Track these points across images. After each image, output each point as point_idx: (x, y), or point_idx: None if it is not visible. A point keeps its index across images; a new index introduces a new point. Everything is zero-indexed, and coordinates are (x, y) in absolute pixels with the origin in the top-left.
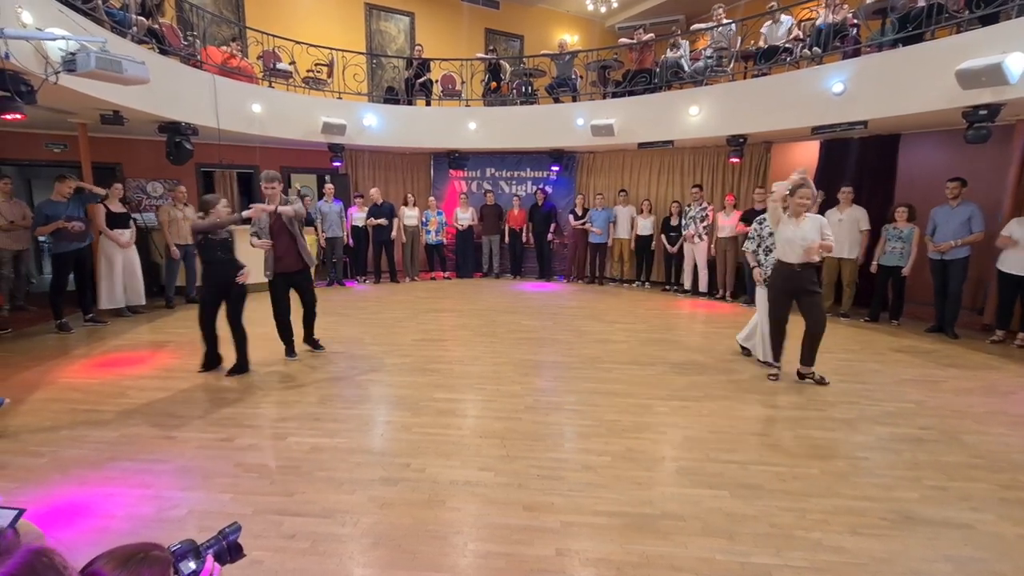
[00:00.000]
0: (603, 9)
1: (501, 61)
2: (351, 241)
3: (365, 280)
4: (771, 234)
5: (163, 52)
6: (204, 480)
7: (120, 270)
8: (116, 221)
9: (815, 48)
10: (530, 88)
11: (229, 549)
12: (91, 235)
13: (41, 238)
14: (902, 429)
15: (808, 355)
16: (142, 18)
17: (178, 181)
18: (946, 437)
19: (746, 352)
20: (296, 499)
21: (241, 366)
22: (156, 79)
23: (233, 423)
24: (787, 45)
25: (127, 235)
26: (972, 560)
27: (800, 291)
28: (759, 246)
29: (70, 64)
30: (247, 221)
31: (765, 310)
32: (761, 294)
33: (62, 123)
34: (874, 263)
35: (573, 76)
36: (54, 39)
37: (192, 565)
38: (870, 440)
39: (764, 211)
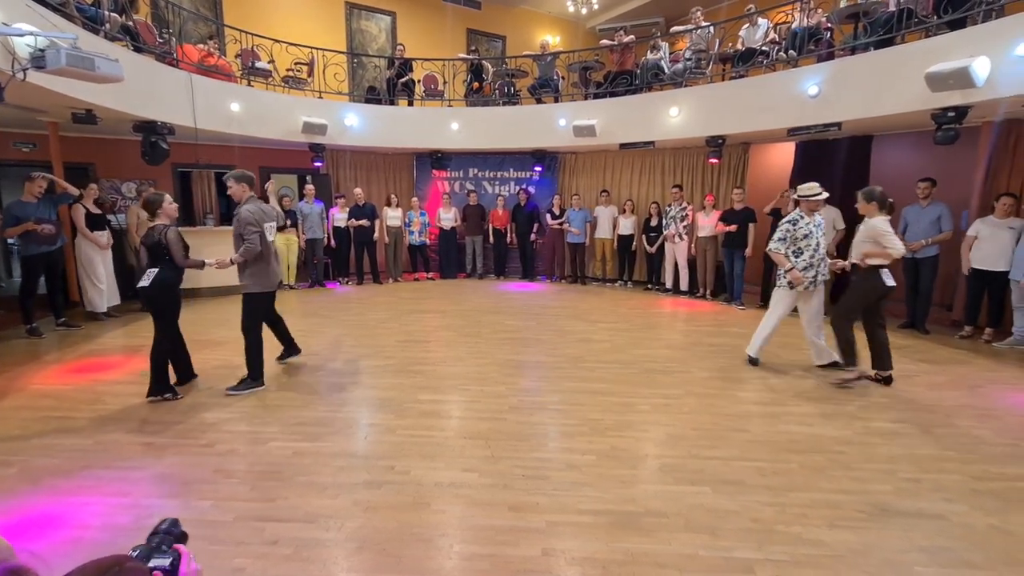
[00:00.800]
0: (584, 11)
1: (483, 61)
2: (333, 242)
3: (347, 281)
4: (805, 236)
5: (138, 50)
6: (183, 487)
7: (103, 273)
8: (93, 223)
9: (791, 51)
10: (512, 89)
11: (176, 536)
12: (63, 237)
13: (10, 240)
14: (876, 423)
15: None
16: (115, 15)
17: (154, 182)
18: (919, 431)
19: (754, 362)
20: (278, 504)
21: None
22: (130, 77)
23: (213, 428)
24: (764, 48)
25: (105, 236)
26: (944, 550)
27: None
28: (789, 248)
29: (39, 61)
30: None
31: (781, 309)
32: (780, 294)
33: (31, 122)
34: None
35: (555, 77)
36: (22, 35)
37: (164, 562)
38: (847, 434)
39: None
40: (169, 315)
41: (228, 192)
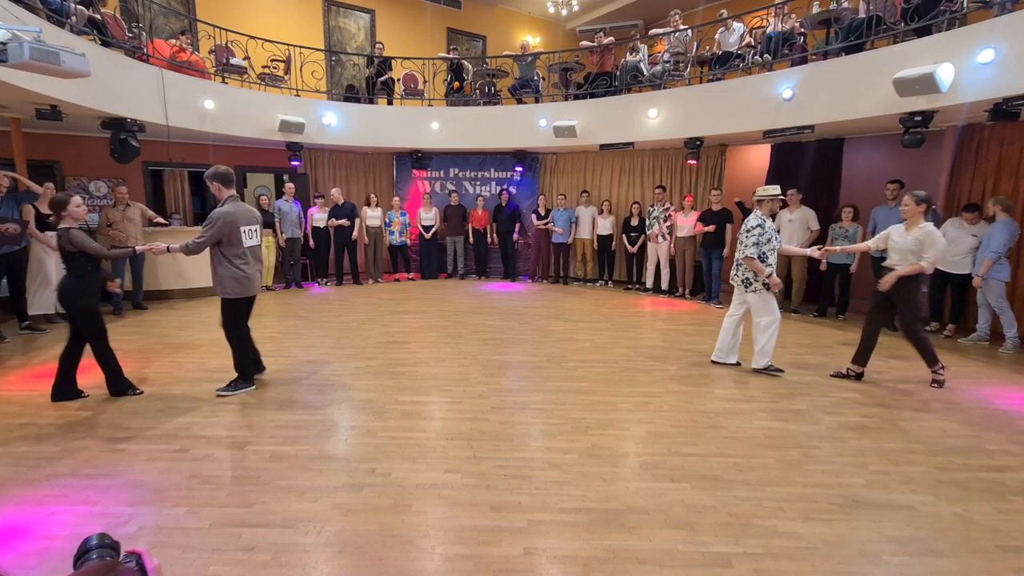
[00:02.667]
0: (564, 12)
1: (463, 61)
2: (312, 242)
3: (327, 282)
4: (768, 240)
5: (105, 44)
6: (156, 494)
7: (54, 274)
8: (48, 224)
9: (766, 55)
10: (493, 89)
11: (112, 545)
12: (28, 237)
13: None
14: (848, 418)
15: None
16: (82, 7)
17: (124, 180)
18: (888, 424)
19: (777, 371)
20: (256, 510)
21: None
22: (98, 72)
23: (187, 433)
24: (739, 52)
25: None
26: (913, 540)
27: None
28: (755, 244)
29: (1, 55)
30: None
31: (775, 309)
32: (763, 297)
33: None
34: (823, 260)
35: (536, 77)
36: None
37: (130, 564)
38: (820, 429)
39: (719, 211)
40: (89, 331)
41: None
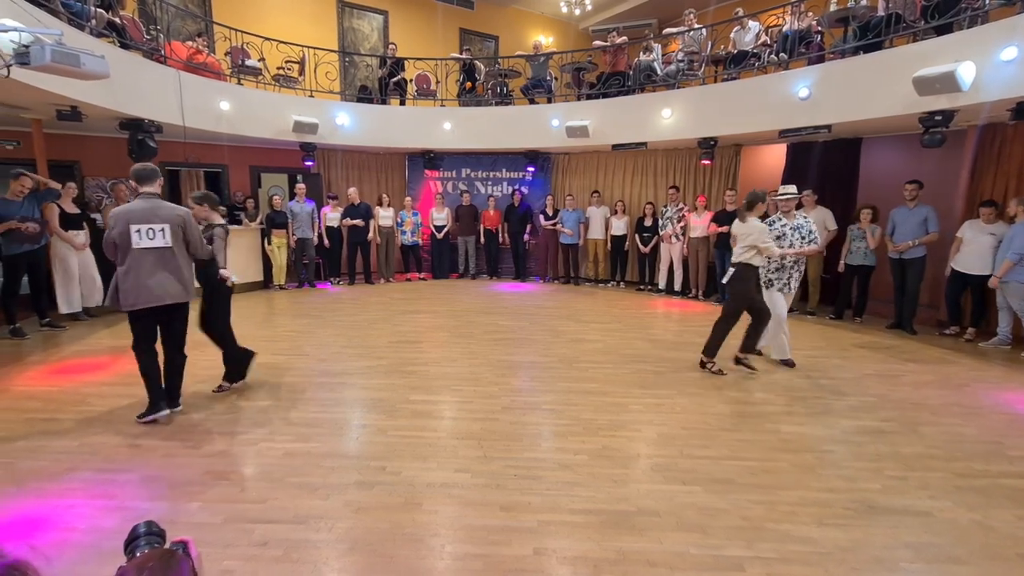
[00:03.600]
0: (577, 11)
1: (476, 61)
2: (326, 242)
3: (339, 282)
4: (779, 237)
5: (124, 46)
6: (171, 489)
7: (76, 273)
8: (70, 222)
9: (782, 54)
10: (505, 89)
11: (159, 533)
12: (47, 236)
13: None
14: (864, 422)
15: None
16: (101, 10)
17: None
18: (905, 429)
19: (789, 363)
20: (268, 506)
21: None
22: (117, 74)
23: (201, 430)
24: (755, 50)
25: (82, 237)
26: (930, 546)
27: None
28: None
29: (23, 57)
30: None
31: (782, 308)
32: (770, 295)
33: (15, 119)
34: (841, 262)
35: (548, 77)
36: (6, 31)
37: (179, 549)
38: (835, 433)
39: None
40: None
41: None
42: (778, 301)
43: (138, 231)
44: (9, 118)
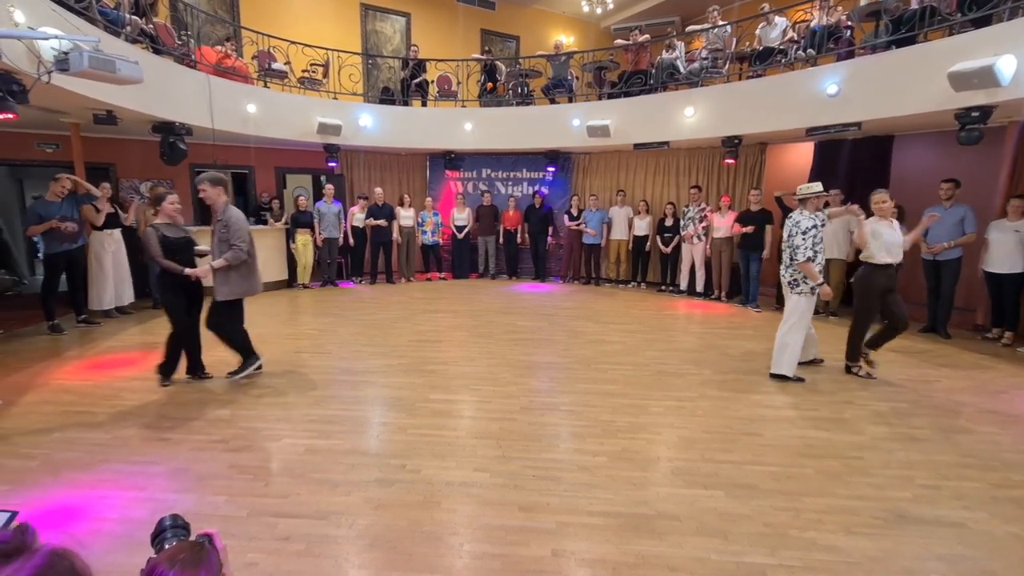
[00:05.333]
0: (599, 10)
1: (497, 62)
2: (351, 241)
3: (361, 281)
4: (819, 242)
5: (157, 52)
6: (198, 482)
7: (110, 271)
8: (105, 222)
9: (809, 50)
10: (526, 89)
11: (184, 526)
12: (84, 236)
13: (34, 238)
14: (895, 428)
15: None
16: (135, 17)
17: (171, 182)
18: (939, 436)
19: (818, 361)
20: (291, 501)
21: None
22: (150, 79)
23: (227, 425)
24: (782, 47)
25: (114, 235)
26: (964, 558)
27: (890, 289)
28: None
29: (63, 64)
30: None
31: (801, 318)
32: (799, 301)
33: (54, 123)
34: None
35: (569, 77)
36: (47, 38)
37: (205, 541)
38: (864, 440)
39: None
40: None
41: (201, 196)
42: (808, 311)
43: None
44: (49, 122)
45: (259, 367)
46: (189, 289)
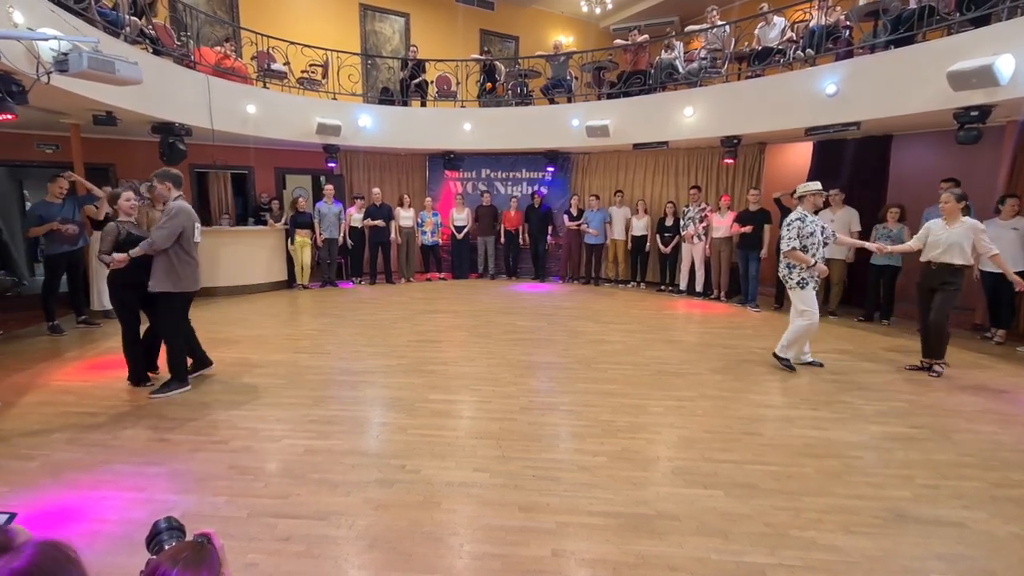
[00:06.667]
0: (598, 10)
1: (496, 62)
2: (350, 242)
3: (361, 281)
4: (811, 234)
5: (156, 52)
6: (198, 483)
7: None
8: (104, 222)
9: (808, 50)
10: (525, 89)
11: (180, 528)
12: (85, 237)
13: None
14: (894, 428)
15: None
16: (135, 18)
17: None
18: (938, 436)
19: (788, 364)
20: (291, 501)
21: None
22: (149, 80)
23: (227, 425)
24: (780, 47)
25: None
26: (963, 558)
27: (936, 287)
28: (798, 236)
29: (62, 64)
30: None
31: (814, 308)
32: (802, 294)
33: (54, 124)
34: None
35: (568, 77)
36: (46, 39)
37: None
38: (863, 439)
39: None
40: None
41: (152, 194)
42: (814, 300)
43: (196, 227)
44: (49, 123)
45: (186, 390)
46: (143, 291)
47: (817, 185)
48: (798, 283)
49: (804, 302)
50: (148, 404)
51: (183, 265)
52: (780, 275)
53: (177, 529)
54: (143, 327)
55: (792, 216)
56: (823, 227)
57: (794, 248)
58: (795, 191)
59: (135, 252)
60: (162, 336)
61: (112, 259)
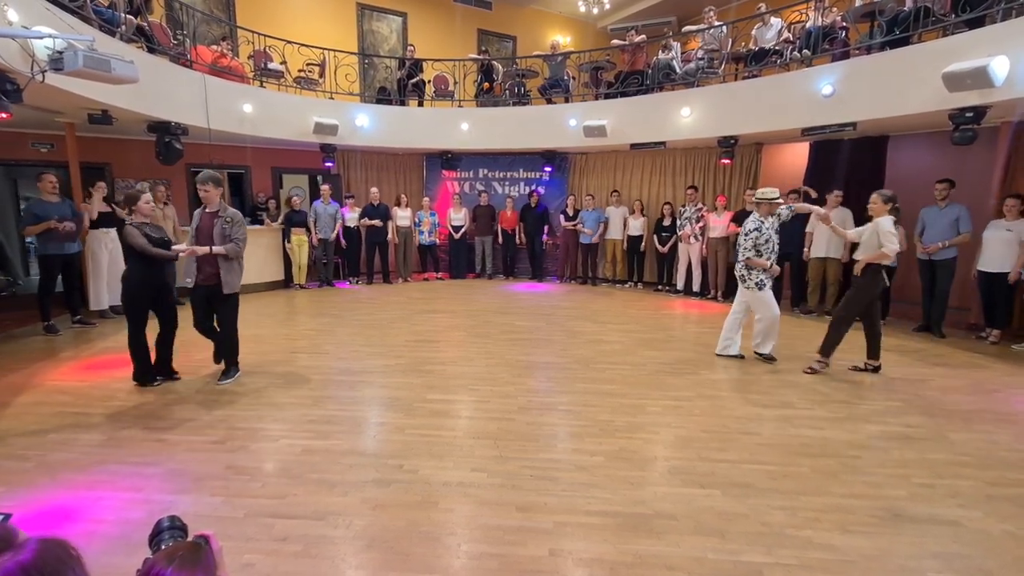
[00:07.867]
0: (595, 11)
1: (494, 62)
2: (344, 242)
3: (358, 281)
4: (766, 241)
5: (152, 51)
6: (195, 483)
7: (105, 271)
8: (100, 221)
9: (805, 51)
10: (523, 89)
11: (182, 527)
12: (79, 243)
13: (28, 239)
14: (891, 427)
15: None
16: (131, 16)
17: (168, 181)
18: (934, 435)
19: (770, 359)
20: (288, 501)
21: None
22: (145, 78)
23: (224, 425)
24: (777, 47)
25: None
26: (959, 557)
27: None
28: (754, 246)
29: (57, 63)
30: (174, 258)
31: (772, 306)
32: (759, 296)
33: (49, 122)
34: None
35: (566, 77)
36: (41, 37)
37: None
38: (860, 438)
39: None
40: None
41: (202, 196)
42: (771, 297)
43: None
44: (44, 122)
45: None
46: (155, 292)
47: (776, 193)
48: (756, 284)
49: (762, 303)
50: (145, 404)
51: (241, 266)
52: (737, 274)
53: (179, 529)
54: (144, 328)
55: (749, 225)
56: (777, 229)
57: (752, 258)
58: (754, 195)
59: (218, 250)
60: (230, 331)
61: (189, 249)
